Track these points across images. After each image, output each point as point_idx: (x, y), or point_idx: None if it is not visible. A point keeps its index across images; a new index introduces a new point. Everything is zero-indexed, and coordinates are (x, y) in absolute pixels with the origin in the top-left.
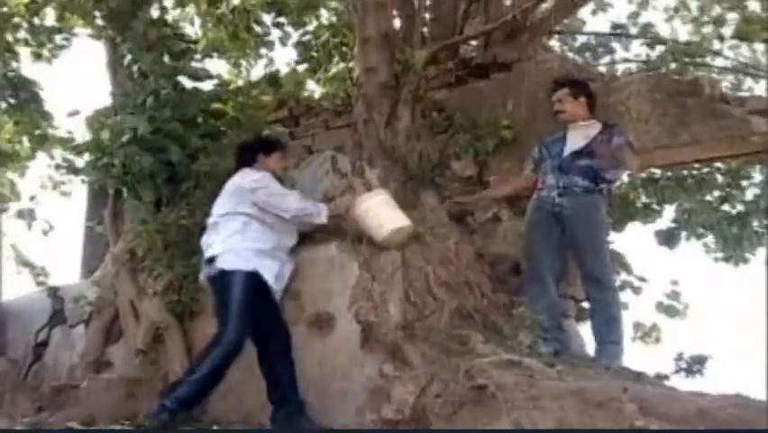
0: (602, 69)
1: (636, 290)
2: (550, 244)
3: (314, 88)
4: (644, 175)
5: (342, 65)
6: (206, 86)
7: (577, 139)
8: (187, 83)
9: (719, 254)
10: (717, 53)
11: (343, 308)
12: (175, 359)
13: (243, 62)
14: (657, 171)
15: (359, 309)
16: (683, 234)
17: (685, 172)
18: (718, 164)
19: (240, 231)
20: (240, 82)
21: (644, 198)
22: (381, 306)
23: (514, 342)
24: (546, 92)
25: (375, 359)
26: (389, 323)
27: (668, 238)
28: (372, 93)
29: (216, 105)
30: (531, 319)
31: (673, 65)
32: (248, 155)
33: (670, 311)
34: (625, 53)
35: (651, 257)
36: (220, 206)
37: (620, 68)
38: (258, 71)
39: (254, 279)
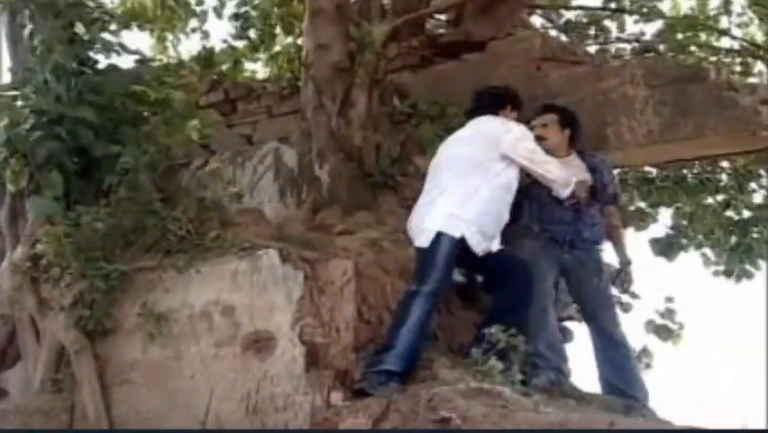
0: (591, 50)
1: (626, 307)
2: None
3: (254, 68)
4: (637, 174)
5: (288, 41)
6: (125, 63)
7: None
8: (103, 60)
9: (720, 267)
10: (724, 32)
11: (285, 327)
12: (84, 387)
13: (170, 36)
14: (653, 170)
15: (304, 328)
16: (682, 242)
17: (685, 171)
18: (723, 162)
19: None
20: (166, 59)
21: (637, 201)
22: (330, 324)
23: (484, 367)
24: (532, 113)
25: (322, 386)
26: (339, 344)
27: (665, 247)
28: (323, 75)
29: (137, 87)
30: (507, 341)
31: (673, 47)
32: (496, 101)
33: (662, 333)
34: (618, 32)
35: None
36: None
37: (612, 49)
38: (188, 47)
39: None
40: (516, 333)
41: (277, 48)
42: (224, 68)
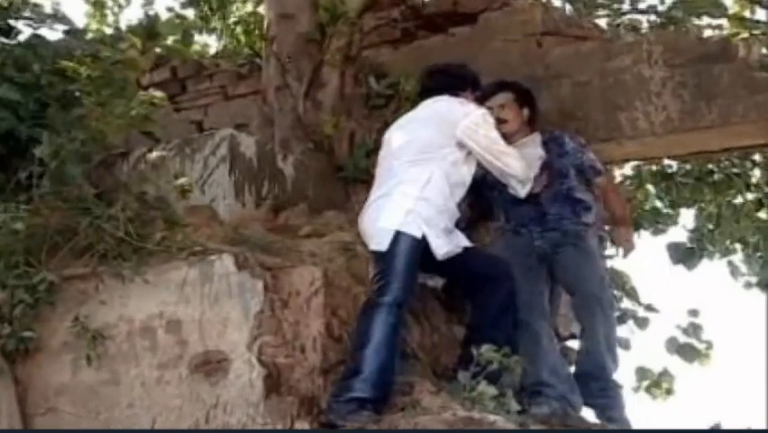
0: (600, 23)
1: (642, 323)
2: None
3: (206, 42)
4: (653, 168)
5: (246, 10)
6: (53, 35)
7: (527, 161)
8: (27, 31)
9: (751, 278)
10: (757, 1)
11: (241, 346)
12: (1, 416)
13: (109, 3)
14: (672, 164)
15: (263, 347)
16: (707, 248)
17: (710, 165)
18: (755, 155)
19: None
20: (102, 30)
21: (653, 200)
22: (294, 342)
23: (474, 393)
24: (484, 93)
25: (284, 415)
26: (305, 365)
27: (685, 254)
28: (288, 50)
29: (67, 62)
30: (500, 362)
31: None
32: (456, 82)
33: (686, 352)
34: (632, 2)
35: (662, 278)
36: None
37: (625, 21)
38: (128, 16)
39: None
40: (510, 352)
41: (233, 18)
42: (170, 41)
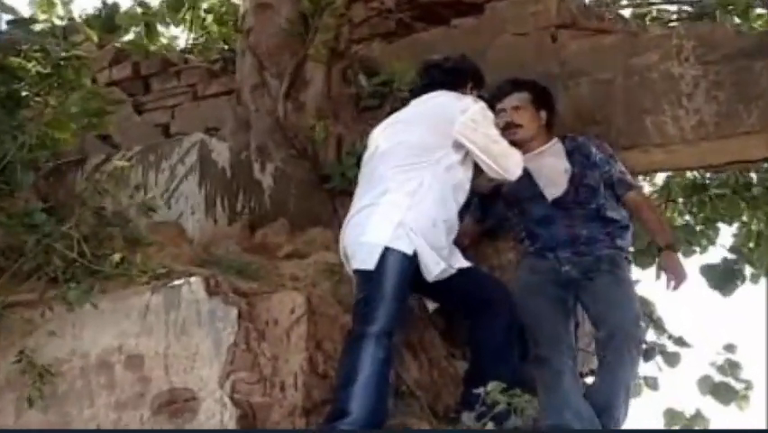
0: (624, 13)
1: (671, 359)
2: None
3: (174, 34)
4: (685, 180)
5: None
6: None
7: (551, 175)
8: None
9: None
10: None
11: (212, 383)
12: None
13: None
14: (706, 174)
15: (236, 384)
16: (746, 271)
17: (750, 176)
18: None
19: None
20: (55, 21)
21: (684, 216)
22: (273, 378)
23: None
24: (495, 93)
25: None
26: (285, 405)
27: (722, 278)
28: (267, 44)
29: (12, 58)
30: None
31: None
32: (452, 78)
33: (722, 393)
34: None
35: (695, 306)
36: None
37: (653, 12)
38: (83, 5)
39: None
40: (520, 391)
41: (204, 6)
42: (132, 33)
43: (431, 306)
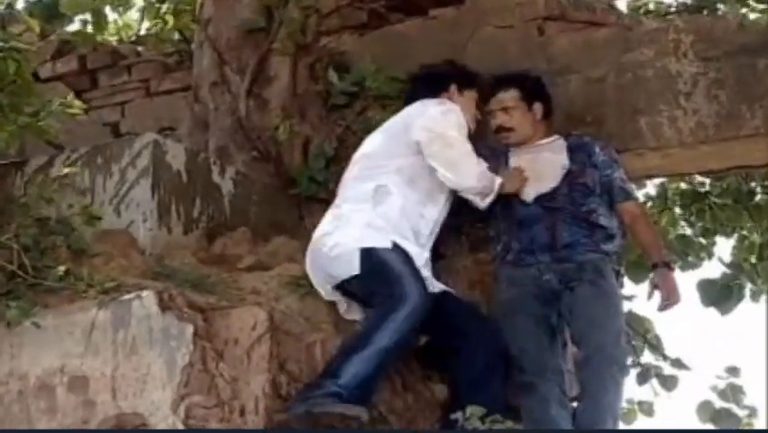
0: (618, 5)
1: (668, 383)
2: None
3: (125, 23)
4: (681, 186)
5: None
6: None
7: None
8: None
9: None
10: None
11: (165, 407)
12: None
13: None
14: (705, 181)
15: (191, 408)
16: (747, 287)
17: (752, 184)
18: None
19: None
20: None
21: (682, 226)
22: (232, 402)
23: None
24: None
25: None
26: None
27: (721, 294)
28: (227, 36)
29: None
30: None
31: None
32: (433, 86)
33: (723, 420)
34: None
35: (694, 325)
36: None
37: (648, 5)
38: None
39: None
40: (500, 416)
41: None
42: (77, 22)
43: (422, 338)
